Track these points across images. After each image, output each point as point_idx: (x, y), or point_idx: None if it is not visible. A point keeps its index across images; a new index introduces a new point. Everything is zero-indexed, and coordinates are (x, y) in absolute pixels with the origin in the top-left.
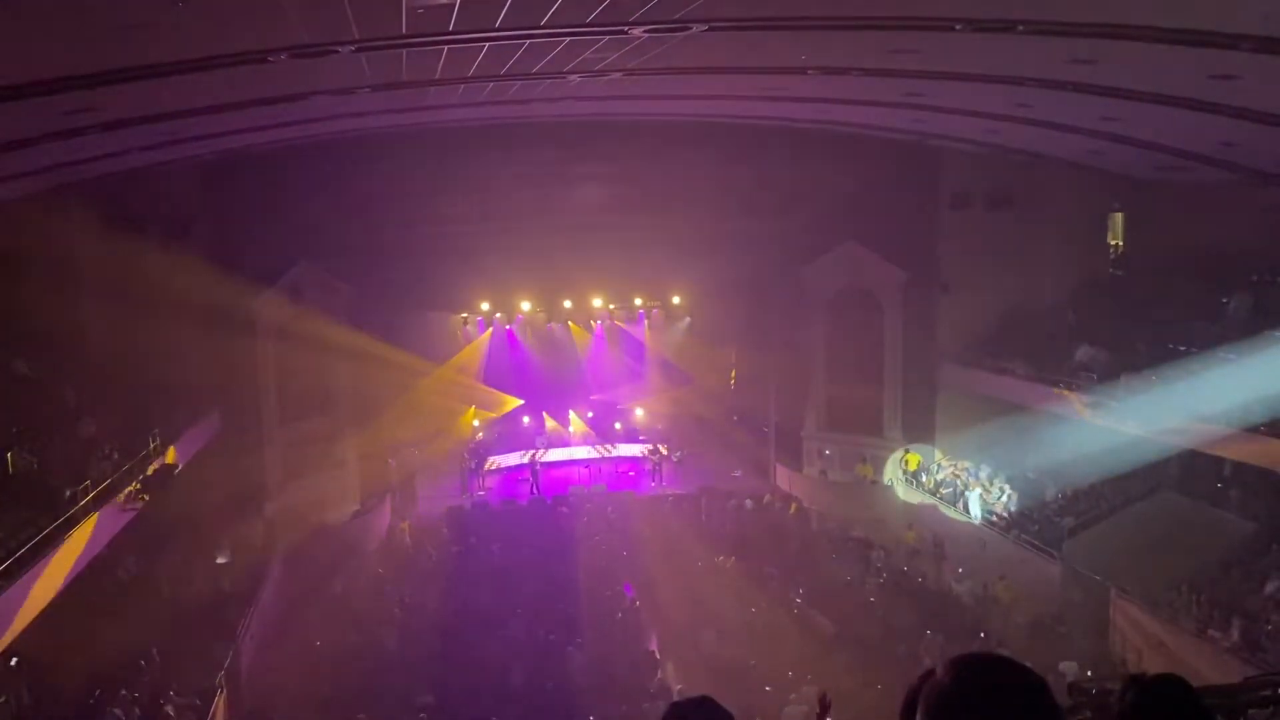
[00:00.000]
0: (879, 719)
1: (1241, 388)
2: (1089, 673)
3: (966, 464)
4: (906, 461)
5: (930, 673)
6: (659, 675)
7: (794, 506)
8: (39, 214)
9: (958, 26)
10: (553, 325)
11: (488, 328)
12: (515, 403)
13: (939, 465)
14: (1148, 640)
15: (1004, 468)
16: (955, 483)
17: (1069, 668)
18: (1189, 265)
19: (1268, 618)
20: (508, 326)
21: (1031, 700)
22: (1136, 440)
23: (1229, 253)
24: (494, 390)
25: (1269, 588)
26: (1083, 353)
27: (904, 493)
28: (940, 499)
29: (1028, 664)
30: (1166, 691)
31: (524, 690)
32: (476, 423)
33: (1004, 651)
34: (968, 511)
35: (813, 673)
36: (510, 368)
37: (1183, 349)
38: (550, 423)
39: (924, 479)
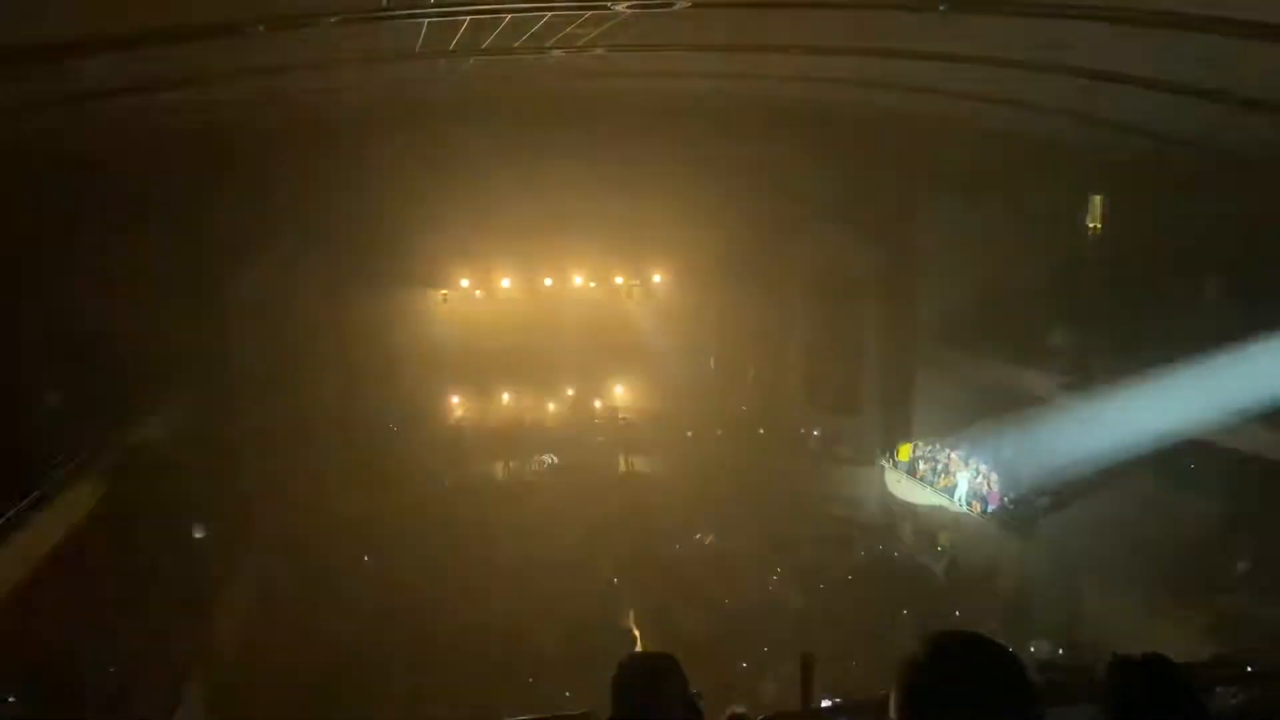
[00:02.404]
0: (853, 693)
1: (1217, 373)
2: (1060, 651)
3: (947, 448)
4: (898, 452)
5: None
6: (635, 651)
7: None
8: (6, 185)
9: (942, 7)
10: (535, 301)
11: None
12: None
13: (918, 447)
14: (1118, 619)
15: (981, 449)
16: (938, 466)
17: (1041, 645)
18: (1166, 249)
19: (1237, 598)
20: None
21: (1006, 676)
22: (1111, 422)
23: (1206, 237)
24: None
25: (1238, 568)
26: (1057, 336)
27: (897, 484)
28: (929, 486)
29: (1000, 641)
30: (1152, 669)
31: (501, 666)
32: (456, 398)
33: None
34: (953, 495)
35: (789, 649)
36: (488, 345)
37: (1159, 331)
38: (529, 400)
39: (919, 468)
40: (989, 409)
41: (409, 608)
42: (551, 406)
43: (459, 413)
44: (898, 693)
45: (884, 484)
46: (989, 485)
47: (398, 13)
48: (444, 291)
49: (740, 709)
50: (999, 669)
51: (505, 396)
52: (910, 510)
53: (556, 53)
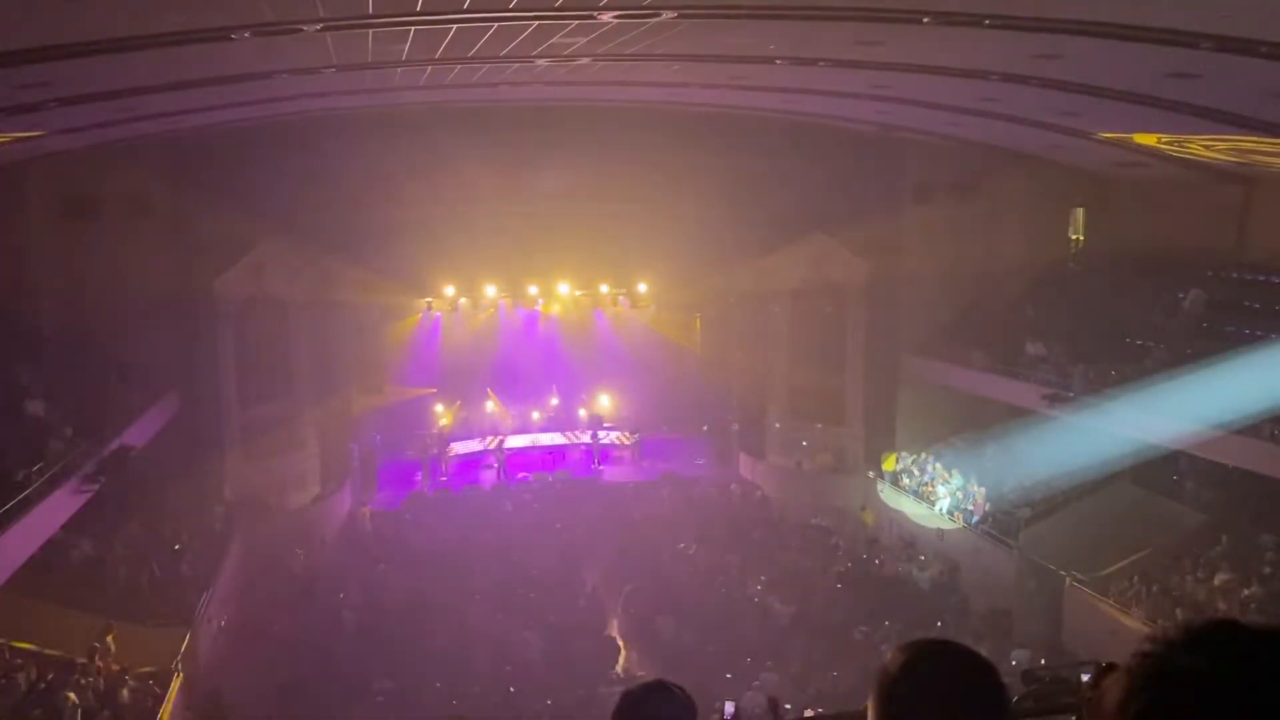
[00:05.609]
0: (836, 703)
1: (1196, 383)
2: (1042, 660)
3: (931, 458)
4: (882, 462)
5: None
6: (619, 662)
7: (756, 494)
8: None
9: (925, 19)
10: (520, 310)
11: (451, 311)
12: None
13: (901, 457)
14: (1100, 629)
15: (964, 459)
16: (922, 476)
17: (1021, 655)
18: (1146, 260)
19: (1216, 607)
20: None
21: (978, 684)
22: (1092, 432)
23: (1185, 248)
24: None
25: (1218, 578)
26: (1033, 346)
27: (881, 494)
28: (913, 496)
29: (981, 651)
30: None
31: (483, 675)
32: (440, 407)
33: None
34: (936, 506)
35: (772, 659)
36: (470, 355)
37: (1139, 343)
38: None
39: (904, 481)
40: (973, 419)
41: (388, 615)
42: (536, 415)
43: (442, 420)
44: (873, 702)
45: (868, 494)
46: (972, 496)
47: (384, 20)
48: (428, 300)
49: None
50: (972, 676)
51: (490, 405)
52: (894, 520)
53: (542, 61)
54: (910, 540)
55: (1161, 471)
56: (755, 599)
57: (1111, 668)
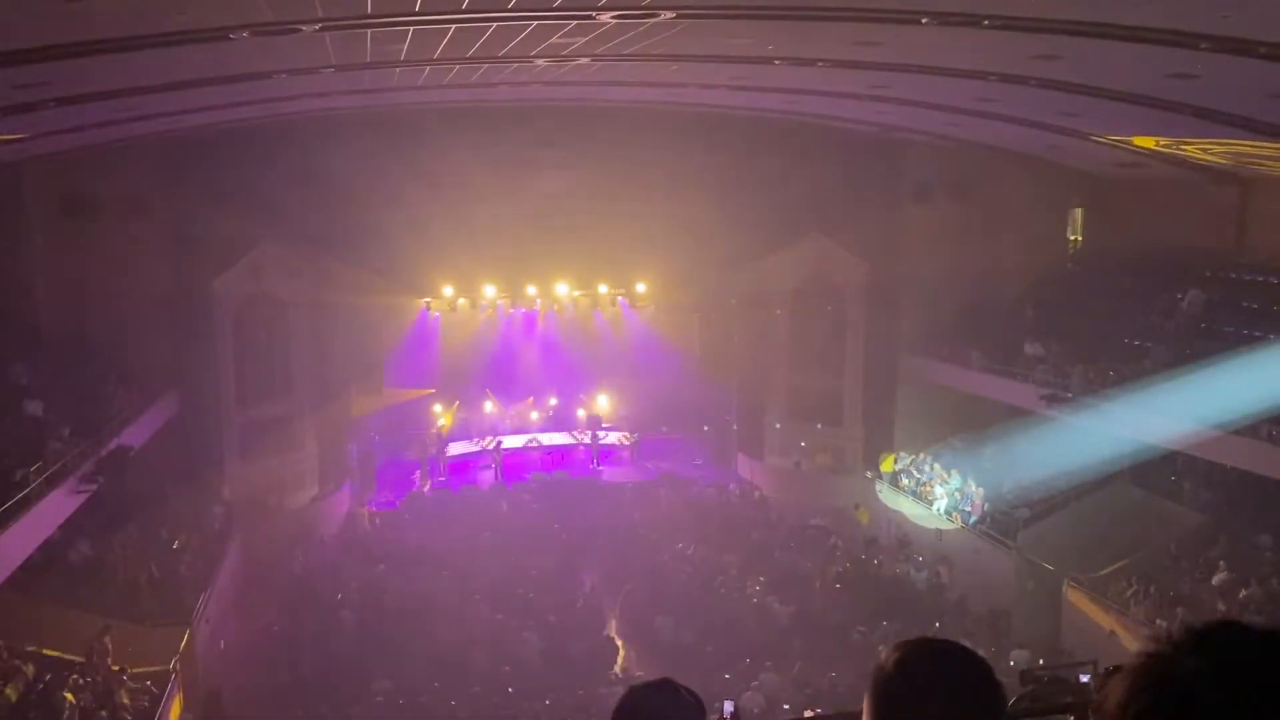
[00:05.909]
0: (834, 703)
1: (1194, 383)
2: (1040, 661)
3: (929, 459)
4: (881, 463)
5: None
6: (618, 662)
7: (755, 495)
8: None
9: (924, 20)
10: (518, 310)
11: (450, 312)
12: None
13: (900, 458)
14: (1098, 629)
15: (962, 459)
16: (920, 477)
17: (1020, 656)
18: (1144, 261)
19: (1214, 608)
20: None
21: (975, 683)
22: (1091, 433)
23: (1183, 249)
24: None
25: (1216, 578)
26: (1031, 347)
27: (880, 494)
28: (912, 496)
29: (979, 651)
30: None
31: (482, 675)
32: (439, 407)
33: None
34: (934, 506)
35: (771, 659)
36: (468, 356)
37: (1137, 343)
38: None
39: (903, 481)
40: (971, 420)
41: (387, 615)
42: (535, 416)
43: (440, 421)
44: (869, 701)
45: (865, 493)
46: (971, 496)
47: (383, 20)
48: (427, 300)
49: None
50: (968, 675)
51: (489, 406)
52: (892, 520)
53: (541, 61)
54: (908, 541)
55: (1160, 472)
56: (754, 599)
57: (1117, 671)
